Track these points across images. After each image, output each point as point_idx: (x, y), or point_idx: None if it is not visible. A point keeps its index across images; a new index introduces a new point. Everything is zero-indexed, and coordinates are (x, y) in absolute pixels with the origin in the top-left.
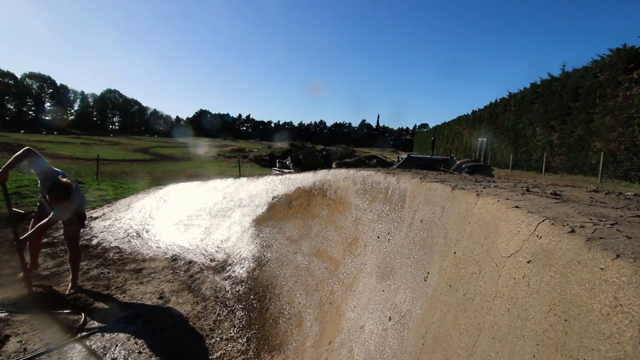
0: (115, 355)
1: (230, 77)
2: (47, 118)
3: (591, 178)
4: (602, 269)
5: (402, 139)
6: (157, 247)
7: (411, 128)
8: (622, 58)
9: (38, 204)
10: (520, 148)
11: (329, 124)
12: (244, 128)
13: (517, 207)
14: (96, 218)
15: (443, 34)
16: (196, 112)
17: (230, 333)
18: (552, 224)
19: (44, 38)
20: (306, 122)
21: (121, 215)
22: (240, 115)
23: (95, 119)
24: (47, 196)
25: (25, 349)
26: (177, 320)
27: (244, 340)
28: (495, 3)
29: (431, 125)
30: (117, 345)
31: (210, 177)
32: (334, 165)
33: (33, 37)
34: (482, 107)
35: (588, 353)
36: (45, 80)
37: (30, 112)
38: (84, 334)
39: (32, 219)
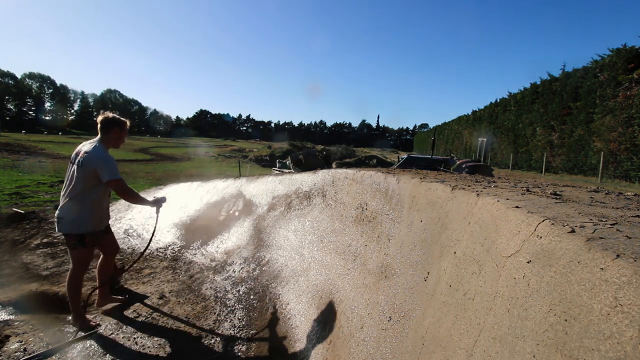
0: (115, 356)
1: (230, 77)
2: (47, 118)
3: (591, 178)
4: (602, 269)
5: (402, 139)
6: (158, 247)
7: (411, 128)
8: (622, 58)
9: None
10: (520, 148)
11: (329, 124)
12: (244, 128)
13: (517, 207)
14: None
15: (443, 34)
16: (196, 112)
17: (231, 333)
18: (552, 224)
19: (44, 38)
20: (306, 122)
21: (121, 215)
22: (240, 115)
23: (95, 119)
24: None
25: (25, 349)
26: (178, 320)
27: (245, 340)
28: (496, 3)
29: (431, 125)
30: (117, 346)
31: (211, 177)
32: (334, 165)
33: (33, 37)
34: (482, 107)
35: (588, 353)
36: (45, 80)
37: (30, 112)
38: (84, 334)
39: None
